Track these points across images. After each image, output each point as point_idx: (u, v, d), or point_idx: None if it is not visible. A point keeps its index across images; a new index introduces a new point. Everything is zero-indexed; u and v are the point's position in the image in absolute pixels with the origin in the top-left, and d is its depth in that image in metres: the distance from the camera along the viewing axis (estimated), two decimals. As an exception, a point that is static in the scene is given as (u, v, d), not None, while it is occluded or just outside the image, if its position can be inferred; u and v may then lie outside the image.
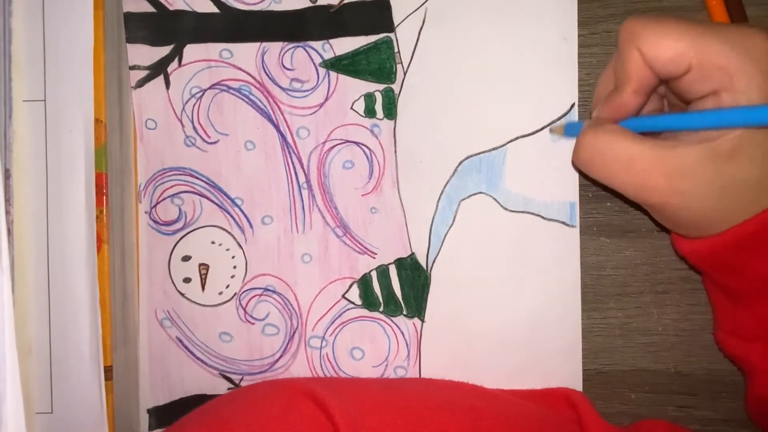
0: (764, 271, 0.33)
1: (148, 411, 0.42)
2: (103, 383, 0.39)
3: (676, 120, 0.33)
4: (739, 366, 0.38)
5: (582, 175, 0.40)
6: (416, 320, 0.41)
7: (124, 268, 0.41)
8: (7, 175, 0.38)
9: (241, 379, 0.42)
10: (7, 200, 0.38)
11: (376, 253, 0.41)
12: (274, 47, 0.41)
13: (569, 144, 0.40)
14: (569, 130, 0.39)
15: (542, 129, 0.40)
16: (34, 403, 0.39)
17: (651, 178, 0.32)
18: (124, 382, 0.42)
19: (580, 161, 0.34)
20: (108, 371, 0.39)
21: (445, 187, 0.41)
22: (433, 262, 0.41)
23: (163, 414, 0.42)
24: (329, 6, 0.41)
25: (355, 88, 0.41)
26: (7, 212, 0.38)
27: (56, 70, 0.39)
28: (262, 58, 0.41)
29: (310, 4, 0.41)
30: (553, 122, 0.40)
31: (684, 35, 0.31)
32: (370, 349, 0.42)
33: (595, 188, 0.41)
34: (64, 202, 0.39)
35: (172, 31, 0.41)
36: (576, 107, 0.40)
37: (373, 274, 0.41)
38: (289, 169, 0.42)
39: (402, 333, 0.41)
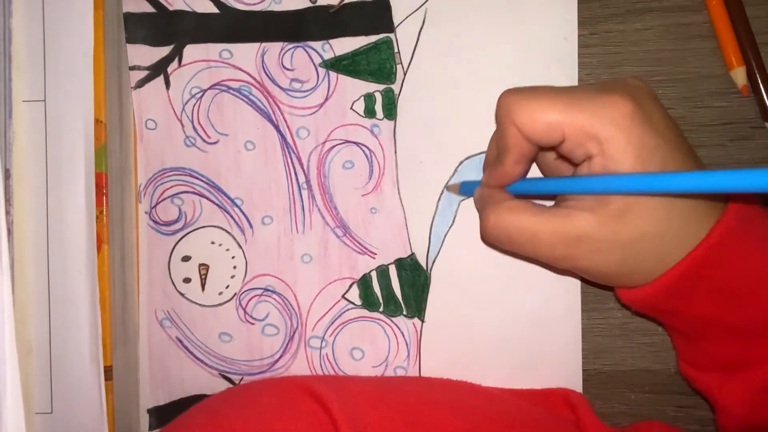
0: (698, 312, 0.34)
1: (148, 411, 0.42)
2: (103, 383, 0.39)
3: (560, 184, 0.34)
4: (703, 397, 0.38)
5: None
6: (416, 320, 0.41)
7: (124, 268, 0.41)
8: (7, 175, 0.38)
9: (241, 380, 0.42)
10: (7, 200, 0.38)
11: (376, 254, 0.41)
12: (274, 47, 0.41)
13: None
14: (464, 189, 0.40)
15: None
16: (34, 403, 0.39)
17: (555, 249, 0.33)
18: (124, 382, 0.42)
19: (489, 240, 0.36)
20: (108, 371, 0.39)
21: (445, 187, 0.41)
22: (433, 262, 0.41)
23: (163, 414, 0.42)
24: (329, 6, 0.41)
25: (354, 88, 0.41)
26: (7, 212, 0.38)
27: (56, 70, 0.39)
28: (262, 59, 0.41)
29: (310, 5, 0.41)
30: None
31: (552, 108, 0.32)
32: (369, 350, 0.42)
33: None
34: (64, 202, 0.39)
35: (172, 31, 0.41)
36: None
37: (373, 275, 0.41)
38: (289, 170, 0.42)
39: (402, 333, 0.41)
